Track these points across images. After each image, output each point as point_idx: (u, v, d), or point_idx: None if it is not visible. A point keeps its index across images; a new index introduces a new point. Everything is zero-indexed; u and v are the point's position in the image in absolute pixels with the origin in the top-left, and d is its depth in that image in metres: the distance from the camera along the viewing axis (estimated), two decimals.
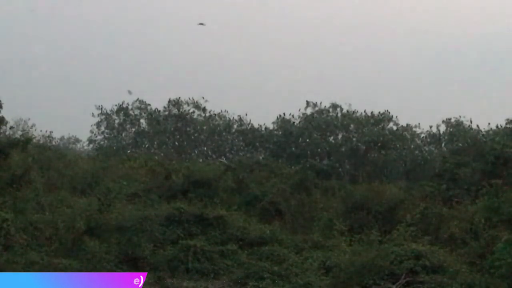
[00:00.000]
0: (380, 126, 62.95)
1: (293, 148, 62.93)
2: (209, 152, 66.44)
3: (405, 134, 62.67)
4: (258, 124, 66.10)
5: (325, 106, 64.74)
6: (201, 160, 61.81)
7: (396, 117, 63.54)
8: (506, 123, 54.92)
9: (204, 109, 67.91)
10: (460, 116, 61.51)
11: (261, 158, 57.39)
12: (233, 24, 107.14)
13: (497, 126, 56.35)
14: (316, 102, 65.01)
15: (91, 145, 70.00)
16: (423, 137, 63.40)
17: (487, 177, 37.74)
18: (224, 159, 62.73)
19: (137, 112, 69.06)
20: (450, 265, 29.27)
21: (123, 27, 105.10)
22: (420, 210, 34.93)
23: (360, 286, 27.54)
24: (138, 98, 68.72)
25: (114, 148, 67.01)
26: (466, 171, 42.41)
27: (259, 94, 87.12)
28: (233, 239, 33.06)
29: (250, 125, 66.65)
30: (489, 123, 57.67)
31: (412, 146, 61.89)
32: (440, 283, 28.07)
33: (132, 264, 29.47)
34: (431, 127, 62.93)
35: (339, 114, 64.42)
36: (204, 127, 67.29)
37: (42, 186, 35.88)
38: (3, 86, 70.31)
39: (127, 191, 35.39)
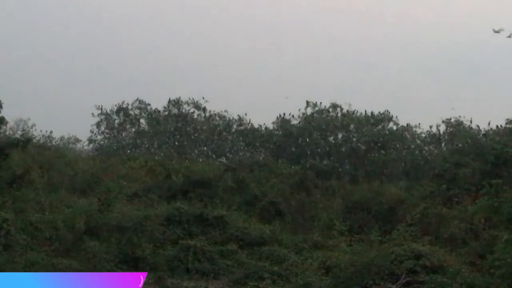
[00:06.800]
0: (380, 126, 62.82)
1: (293, 148, 62.78)
2: (209, 152, 66.31)
3: (405, 134, 62.53)
4: (258, 124, 65.97)
5: (325, 106, 64.59)
6: (201, 160, 61.70)
7: (396, 117, 63.41)
8: (506, 123, 54.68)
9: (204, 109, 67.87)
10: (460, 116, 61.31)
11: (261, 158, 57.18)
12: (233, 24, 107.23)
13: (497, 126, 56.11)
14: (316, 102, 64.91)
15: (91, 145, 69.90)
16: (423, 137, 63.27)
17: (487, 177, 37.56)
18: (224, 159, 62.62)
19: (137, 112, 69.06)
20: (450, 265, 29.25)
21: (122, 27, 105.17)
22: (420, 210, 34.86)
23: (360, 286, 27.50)
24: (138, 98, 68.85)
25: (114, 148, 67.00)
26: (466, 171, 42.33)
27: (259, 94, 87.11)
28: (233, 239, 33.08)
29: (250, 125, 66.55)
30: (489, 123, 57.50)
31: (412, 146, 61.70)
32: (440, 283, 28.03)
33: (132, 264, 29.46)
34: (431, 127, 62.72)
35: (339, 114, 64.28)
36: (204, 127, 67.22)
37: (42, 186, 35.93)
38: (3, 86, 70.21)
39: (127, 191, 35.42)
